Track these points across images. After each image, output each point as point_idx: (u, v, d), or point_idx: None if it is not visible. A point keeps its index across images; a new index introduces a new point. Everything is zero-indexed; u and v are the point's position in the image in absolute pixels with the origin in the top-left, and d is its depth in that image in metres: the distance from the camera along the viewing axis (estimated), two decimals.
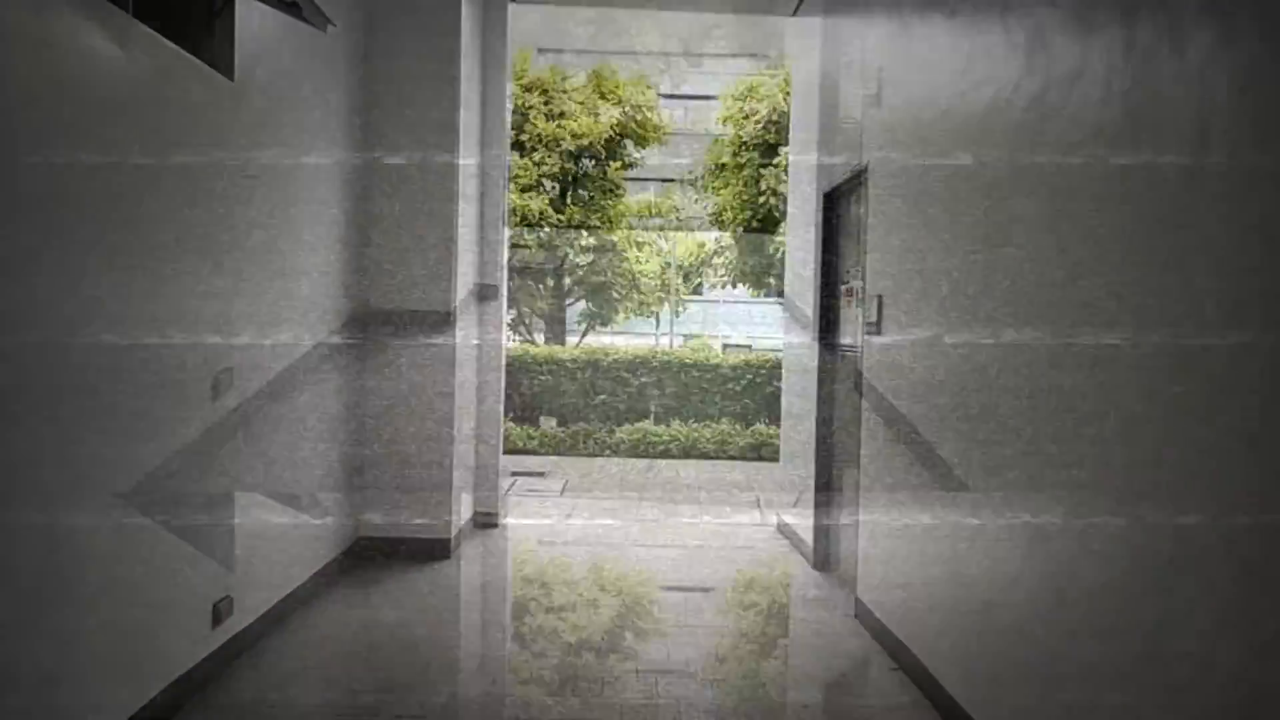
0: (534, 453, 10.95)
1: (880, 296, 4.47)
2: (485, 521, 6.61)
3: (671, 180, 23.83)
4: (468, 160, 5.99)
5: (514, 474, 9.29)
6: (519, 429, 11.17)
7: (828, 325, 5.72)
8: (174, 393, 3.26)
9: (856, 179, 5.10)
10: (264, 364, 4.06)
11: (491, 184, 6.60)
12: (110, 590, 2.88)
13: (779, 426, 11.36)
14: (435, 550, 5.63)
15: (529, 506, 7.65)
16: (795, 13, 6.83)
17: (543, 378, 11.64)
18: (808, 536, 5.99)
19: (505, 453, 11.13)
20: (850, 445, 5.32)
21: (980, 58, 3.40)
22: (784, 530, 6.73)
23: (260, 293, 3.99)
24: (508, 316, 18.67)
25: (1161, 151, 2.26)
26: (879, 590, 4.45)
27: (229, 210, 3.66)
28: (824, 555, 5.77)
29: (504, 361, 6.88)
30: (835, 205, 5.69)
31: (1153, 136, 2.30)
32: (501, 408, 6.83)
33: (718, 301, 30.24)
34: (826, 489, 5.78)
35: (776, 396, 11.44)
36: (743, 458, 10.98)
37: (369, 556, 5.51)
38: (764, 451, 10.96)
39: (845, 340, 5.39)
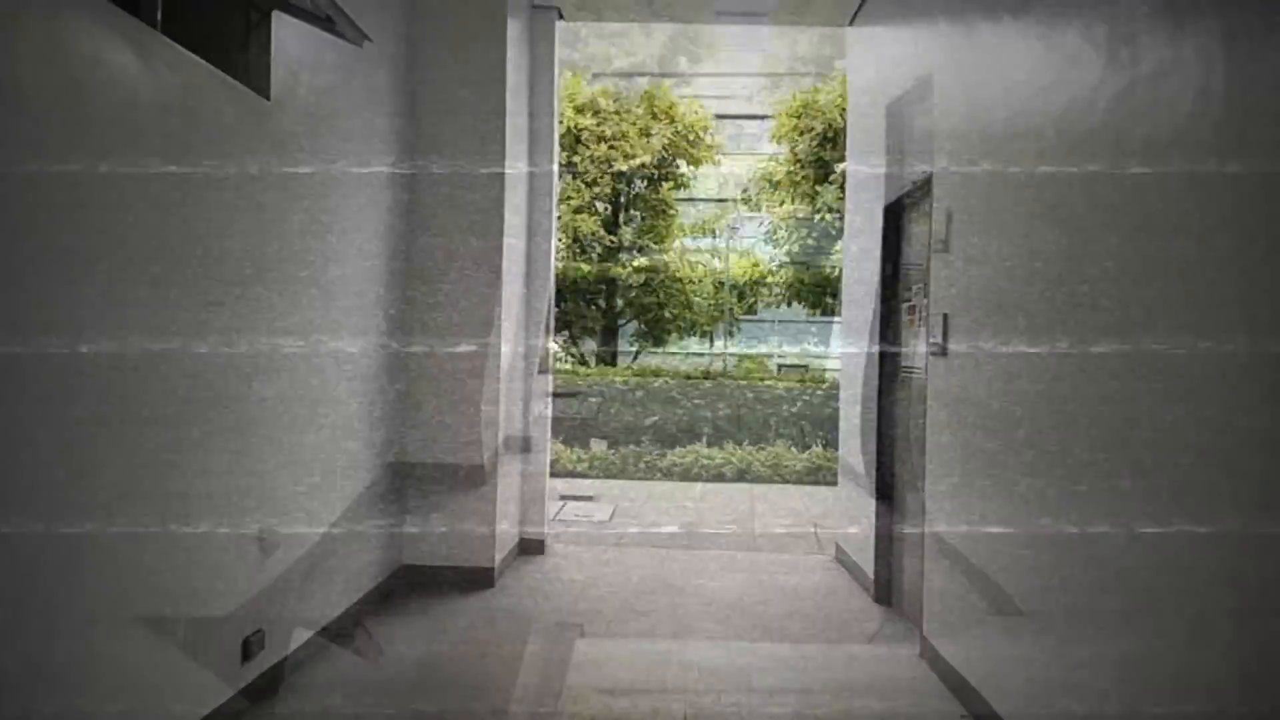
0: (584, 475, 10.77)
1: (946, 315, 4.20)
2: (532, 547, 6.43)
3: (724, 200, 23.65)
4: (513, 170, 5.87)
5: (562, 498, 9.12)
6: (568, 451, 11.01)
7: (889, 344, 5.44)
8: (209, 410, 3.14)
9: (920, 191, 4.84)
10: (301, 372, 3.95)
11: (539, 208, 6.48)
12: (134, 615, 2.75)
13: (837, 450, 11.06)
14: (478, 579, 5.46)
15: (576, 534, 7.46)
16: (852, 22, 6.60)
17: (593, 400, 11.48)
18: (867, 565, 5.68)
19: (554, 475, 11.04)
20: (909, 467, 5.02)
21: (1054, 58, 3.14)
22: (842, 559, 6.42)
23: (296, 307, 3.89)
24: (557, 340, 18.71)
25: (1255, 157, 1.98)
26: (943, 625, 4.15)
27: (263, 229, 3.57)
28: (885, 587, 5.46)
29: (551, 380, 6.71)
30: (897, 219, 5.42)
31: (1244, 141, 2.03)
32: (549, 429, 6.66)
33: (772, 321, 29.94)
34: (887, 515, 5.48)
35: (834, 418, 11.14)
36: (799, 482, 10.65)
37: (413, 585, 5.37)
38: (821, 475, 10.63)
39: (909, 361, 5.11)
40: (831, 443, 11.22)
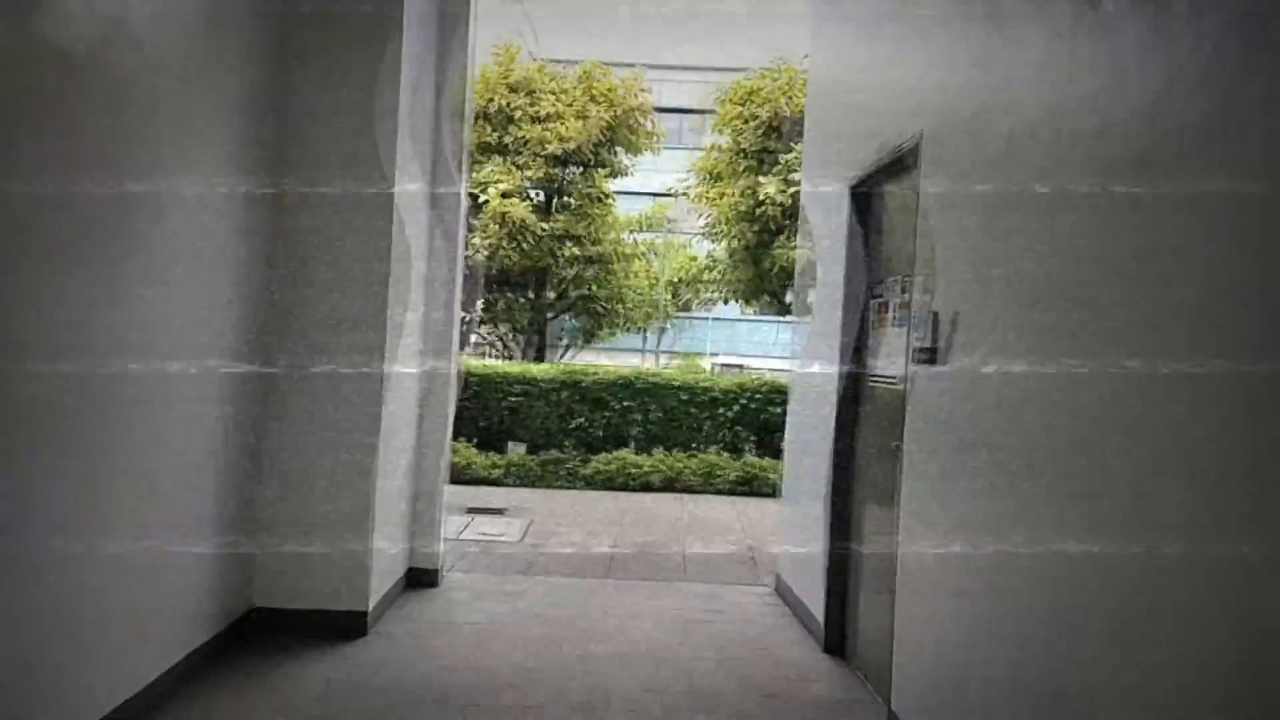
0: (498, 483, 9.74)
1: (935, 314, 3.34)
2: (423, 578, 5.41)
3: (665, 195, 22.80)
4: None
5: (470, 511, 8.09)
6: (482, 456, 9.96)
7: (856, 347, 4.58)
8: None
9: (900, 165, 3.98)
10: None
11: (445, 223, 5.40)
12: None
13: (772, 458, 10.29)
14: (348, 627, 4.43)
15: (480, 557, 6.46)
16: None
17: (514, 399, 10.45)
18: (815, 602, 4.82)
19: (465, 482, 10.00)
20: (877, 485, 4.18)
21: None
22: (784, 593, 5.56)
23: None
24: (480, 332, 17.54)
25: None
26: (923, 693, 3.29)
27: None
28: (837, 630, 4.61)
29: (454, 376, 5.70)
30: (867, 201, 4.56)
31: None
32: (448, 435, 5.65)
33: (707, 319, 29.13)
34: (842, 538, 4.62)
35: (771, 424, 10.36)
36: (731, 492, 9.81)
37: (260, 635, 4.31)
38: (756, 486, 9.80)
39: (880, 365, 4.24)
40: (768, 449, 10.41)
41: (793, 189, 13.68)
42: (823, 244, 5.25)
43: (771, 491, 9.73)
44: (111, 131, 2.98)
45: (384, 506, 4.69)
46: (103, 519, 3.05)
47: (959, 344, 3.16)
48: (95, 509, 3.01)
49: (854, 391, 4.58)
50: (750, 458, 10.14)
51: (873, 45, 4.54)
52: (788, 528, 5.84)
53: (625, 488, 9.79)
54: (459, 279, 5.49)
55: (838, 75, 5.26)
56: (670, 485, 9.82)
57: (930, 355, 3.38)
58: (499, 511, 8.14)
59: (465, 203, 5.42)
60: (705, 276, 18.94)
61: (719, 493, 9.80)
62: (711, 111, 17.72)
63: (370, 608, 4.51)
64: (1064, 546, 2.39)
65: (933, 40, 3.62)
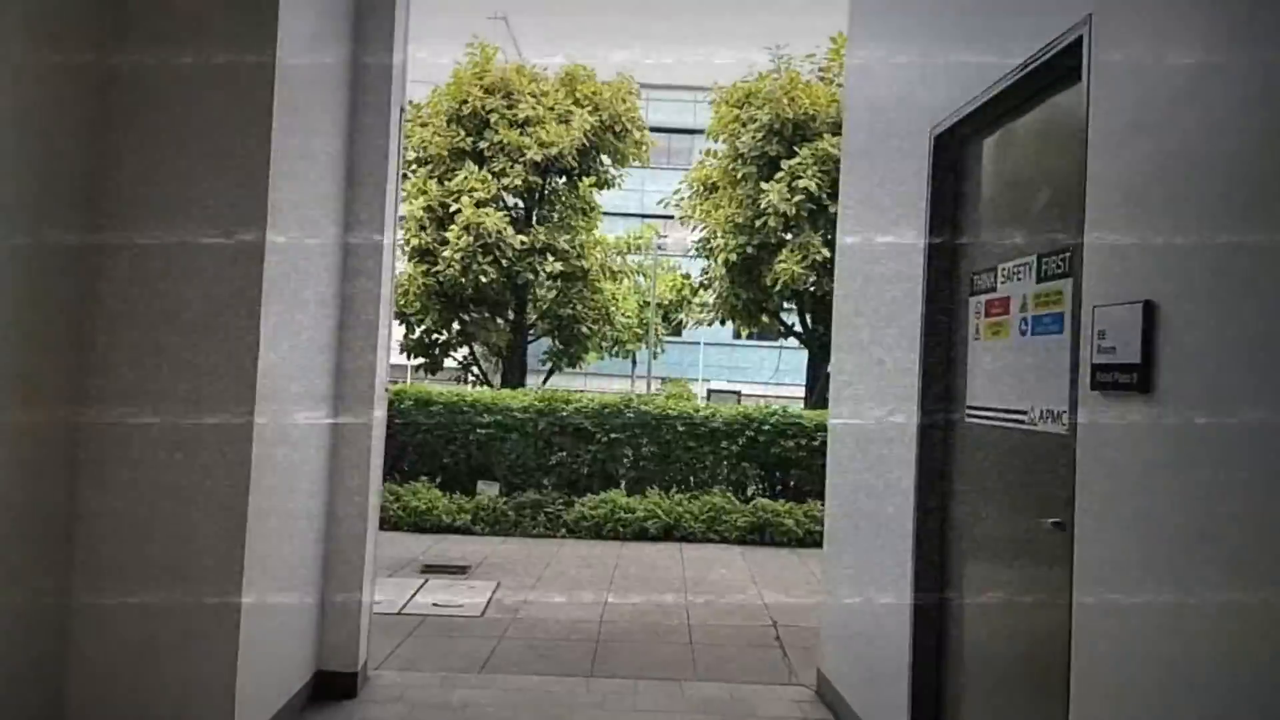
0: (467, 531, 8.27)
1: (1150, 304, 1.95)
2: (336, 685, 3.94)
3: (653, 217, 21.51)
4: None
5: (425, 569, 6.62)
6: (446, 499, 8.49)
7: (940, 376, 3.18)
8: None
9: (1038, 81, 2.60)
10: None
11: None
12: None
13: (789, 499, 8.79)
14: None
15: (426, 644, 4.99)
16: None
17: (484, 430, 8.99)
18: (879, 710, 3.39)
19: (427, 530, 8.52)
20: (981, 542, 2.77)
21: None
22: (832, 701, 4.11)
23: None
24: (456, 356, 16.06)
25: None
26: None
27: None
28: None
29: (378, 426, 4.28)
30: (962, 151, 3.19)
31: None
32: (373, 496, 4.22)
33: (698, 343, 27.68)
34: (935, 619, 3.19)
35: (784, 460, 8.89)
36: (741, 541, 8.36)
37: None
38: (768, 533, 8.37)
39: (986, 394, 2.83)
40: (783, 491, 8.97)
41: (797, 197, 12.35)
42: (877, 223, 3.87)
43: (786, 540, 8.29)
44: None
45: (265, 588, 3.23)
46: None
47: (1186, 354, 1.77)
48: None
49: (945, 434, 3.17)
50: (761, 500, 8.70)
51: None
52: (829, 587, 4.42)
53: (616, 535, 8.33)
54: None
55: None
56: (668, 533, 8.36)
57: (1130, 379, 1.97)
58: (460, 571, 6.66)
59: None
60: (699, 297, 17.51)
61: (725, 540, 8.35)
62: (700, 132, 16.48)
63: None
64: None
65: None
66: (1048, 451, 2.46)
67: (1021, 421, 2.60)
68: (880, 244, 3.85)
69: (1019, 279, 2.69)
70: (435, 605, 5.63)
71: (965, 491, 3.04)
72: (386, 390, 4.33)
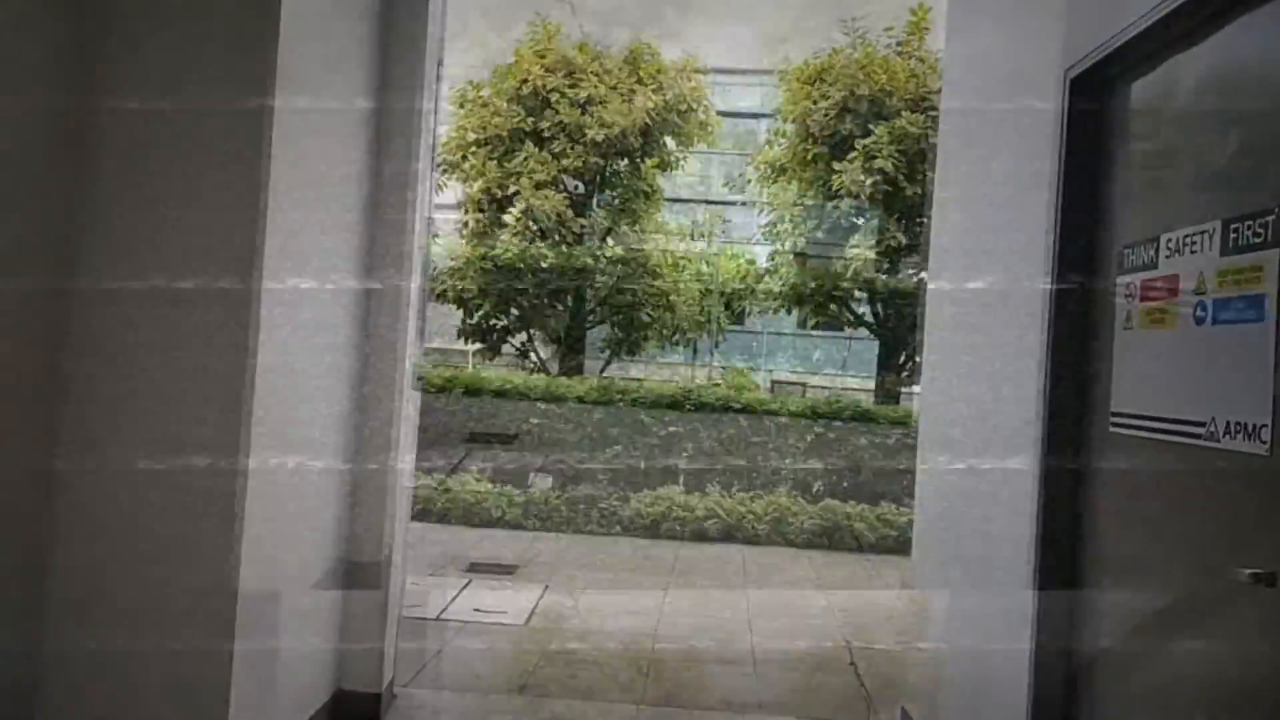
0: (518, 526, 7.87)
1: None
2: (356, 708, 3.53)
3: (721, 203, 20.84)
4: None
5: (471, 569, 6.23)
6: (497, 491, 8.10)
7: (1072, 375, 2.59)
8: None
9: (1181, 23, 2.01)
10: None
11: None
12: None
13: (861, 502, 8.20)
14: None
15: (463, 657, 4.58)
16: None
17: (537, 419, 8.58)
18: None
19: (475, 525, 8.16)
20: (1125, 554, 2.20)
21: None
22: None
23: None
24: (514, 343, 15.70)
25: None
26: None
27: None
28: None
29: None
30: (1109, 97, 2.59)
31: None
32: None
33: (761, 331, 26.92)
34: (1064, 674, 2.60)
35: (857, 455, 8.30)
36: (808, 545, 7.80)
37: None
38: (837, 537, 7.79)
39: (1150, 399, 2.24)
40: (854, 491, 8.36)
41: (872, 179, 11.63)
42: (987, 194, 3.29)
43: (859, 545, 7.70)
44: None
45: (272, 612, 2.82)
46: None
47: None
48: None
49: (1078, 448, 2.58)
50: (830, 501, 8.11)
51: None
52: (920, 609, 3.86)
53: (673, 535, 7.84)
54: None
55: None
56: (729, 534, 7.84)
57: None
58: (508, 571, 6.26)
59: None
60: (763, 284, 16.80)
61: (790, 544, 7.80)
62: (767, 116, 15.80)
63: None
64: None
65: None
66: (1237, 476, 1.88)
67: (1198, 435, 2.02)
68: (989, 216, 3.26)
69: (1192, 251, 2.10)
70: (476, 610, 5.22)
71: (1109, 524, 2.46)
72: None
